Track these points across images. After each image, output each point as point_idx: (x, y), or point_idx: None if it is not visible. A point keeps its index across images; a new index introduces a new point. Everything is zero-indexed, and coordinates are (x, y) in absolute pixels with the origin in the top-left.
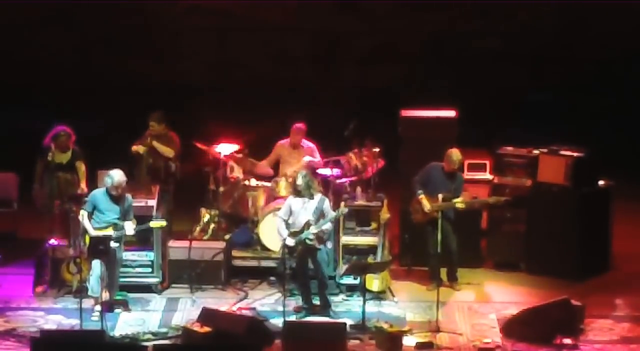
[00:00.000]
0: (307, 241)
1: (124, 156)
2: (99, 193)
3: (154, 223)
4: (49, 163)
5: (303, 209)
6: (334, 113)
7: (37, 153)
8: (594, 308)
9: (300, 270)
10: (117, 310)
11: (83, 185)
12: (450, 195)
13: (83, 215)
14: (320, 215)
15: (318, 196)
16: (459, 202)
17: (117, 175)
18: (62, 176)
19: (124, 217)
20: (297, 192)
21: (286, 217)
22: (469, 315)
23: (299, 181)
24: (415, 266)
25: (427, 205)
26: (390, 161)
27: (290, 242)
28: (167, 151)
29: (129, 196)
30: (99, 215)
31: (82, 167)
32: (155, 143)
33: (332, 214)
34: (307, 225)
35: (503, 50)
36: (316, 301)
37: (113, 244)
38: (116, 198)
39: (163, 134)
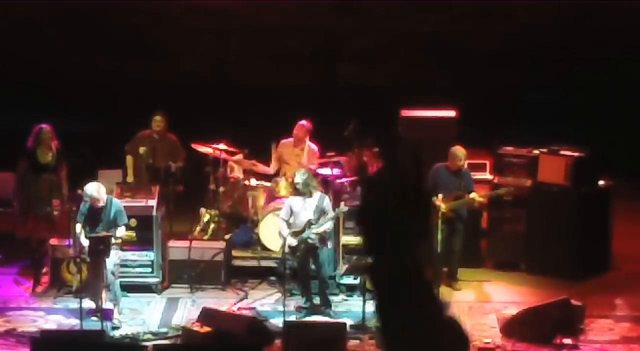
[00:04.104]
0: (309, 240)
1: (123, 155)
2: (85, 206)
3: (127, 235)
4: (36, 163)
5: (303, 208)
6: (334, 113)
7: (20, 155)
8: (594, 308)
9: (302, 269)
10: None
11: (66, 187)
12: (461, 193)
13: (77, 227)
14: (321, 213)
15: (317, 194)
16: (478, 197)
17: (89, 190)
18: (47, 178)
19: (113, 224)
20: (296, 190)
21: (287, 218)
22: (469, 315)
23: (297, 179)
24: None
25: (441, 205)
26: None
27: (293, 241)
28: (178, 165)
29: (115, 202)
30: (91, 228)
31: (63, 170)
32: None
33: (332, 213)
34: (309, 224)
35: (503, 50)
36: (316, 301)
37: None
38: (99, 209)
39: (164, 137)
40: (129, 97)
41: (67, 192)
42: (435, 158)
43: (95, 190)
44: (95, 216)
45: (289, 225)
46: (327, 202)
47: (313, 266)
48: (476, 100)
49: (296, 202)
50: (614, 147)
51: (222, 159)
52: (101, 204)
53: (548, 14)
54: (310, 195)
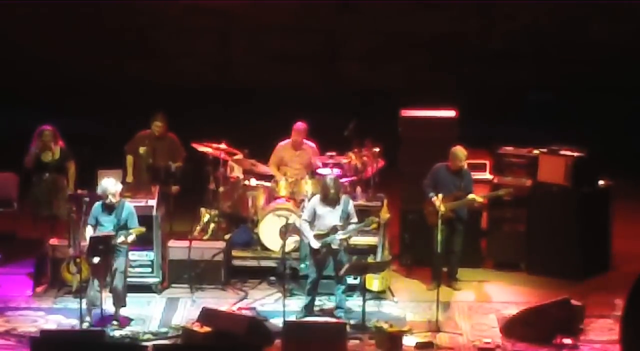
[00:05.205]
0: (332, 244)
1: (123, 155)
2: (97, 205)
3: (135, 230)
4: (39, 163)
5: (329, 212)
6: (334, 113)
7: (24, 156)
8: (594, 308)
9: (318, 272)
10: (113, 325)
11: (71, 187)
12: (461, 193)
13: (88, 229)
14: (347, 217)
15: (342, 197)
16: (478, 197)
17: (104, 183)
18: (48, 178)
19: (123, 227)
20: (326, 196)
21: (310, 219)
22: (469, 315)
23: (332, 187)
24: (415, 266)
25: (441, 206)
26: (390, 161)
27: (316, 244)
28: (177, 165)
29: (128, 206)
30: (99, 228)
31: (72, 168)
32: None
33: (356, 218)
34: (335, 229)
35: (504, 50)
36: (320, 302)
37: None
38: (111, 208)
39: (164, 136)
40: (129, 97)
41: (76, 191)
42: (436, 158)
43: (112, 184)
44: (108, 214)
45: (312, 226)
46: (351, 205)
47: (328, 269)
48: (476, 100)
49: (321, 205)
50: (614, 147)
51: (222, 159)
52: (115, 200)
53: (548, 14)
54: (339, 203)
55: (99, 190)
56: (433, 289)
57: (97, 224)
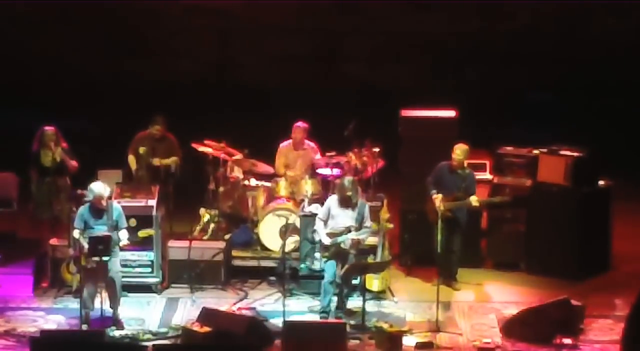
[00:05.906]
0: (342, 245)
1: (124, 156)
2: (84, 209)
3: (141, 233)
4: (40, 166)
5: (344, 213)
6: (334, 113)
7: (27, 160)
8: (594, 308)
9: (332, 271)
10: (112, 328)
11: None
12: (461, 194)
13: (76, 233)
14: (362, 220)
15: (359, 201)
16: (474, 200)
17: (96, 188)
18: (49, 181)
19: (114, 228)
20: (343, 198)
21: (325, 218)
22: (469, 315)
23: (349, 189)
24: (415, 266)
25: (440, 205)
26: (390, 161)
27: (326, 240)
28: (173, 161)
29: (116, 206)
30: (90, 231)
31: (74, 169)
32: (162, 161)
33: (370, 222)
34: (348, 229)
35: (504, 50)
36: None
37: (105, 258)
38: (101, 211)
39: (163, 137)
40: (129, 96)
41: (75, 190)
42: (436, 158)
43: (102, 188)
44: (98, 217)
45: (325, 225)
46: (367, 210)
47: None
48: (476, 100)
49: (337, 205)
50: (614, 147)
51: (222, 159)
52: (104, 204)
53: (548, 14)
54: (357, 204)
55: (90, 196)
56: (439, 284)
57: (86, 228)
